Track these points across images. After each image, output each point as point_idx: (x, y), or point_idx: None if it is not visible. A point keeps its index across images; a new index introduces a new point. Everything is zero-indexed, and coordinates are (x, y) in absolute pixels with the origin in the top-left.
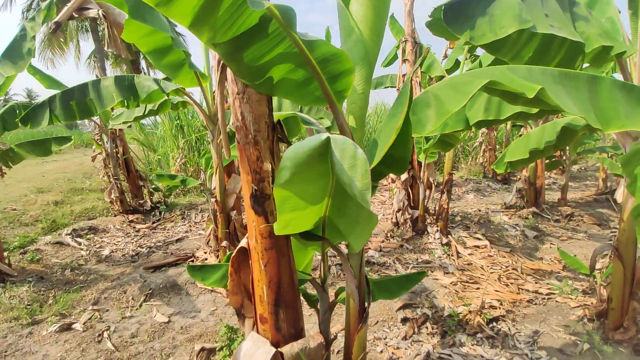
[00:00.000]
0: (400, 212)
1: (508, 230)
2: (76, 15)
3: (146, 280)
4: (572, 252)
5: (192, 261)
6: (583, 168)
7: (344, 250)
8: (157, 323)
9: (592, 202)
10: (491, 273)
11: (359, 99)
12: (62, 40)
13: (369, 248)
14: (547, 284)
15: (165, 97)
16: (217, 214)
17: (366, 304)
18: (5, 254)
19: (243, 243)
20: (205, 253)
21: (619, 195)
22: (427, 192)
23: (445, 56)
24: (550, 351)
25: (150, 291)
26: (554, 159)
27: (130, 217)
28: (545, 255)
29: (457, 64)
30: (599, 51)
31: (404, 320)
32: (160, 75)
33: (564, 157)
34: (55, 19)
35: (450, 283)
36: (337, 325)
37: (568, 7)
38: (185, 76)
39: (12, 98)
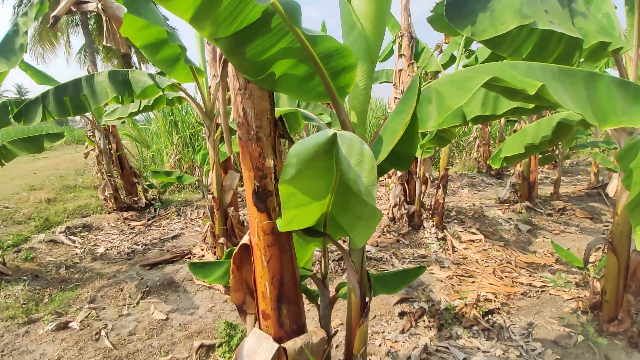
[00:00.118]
0: (397, 207)
1: (502, 224)
2: (75, 9)
3: (143, 278)
4: (564, 245)
5: (189, 258)
6: (575, 163)
7: (345, 246)
8: (155, 320)
9: (584, 196)
10: (486, 267)
11: (360, 94)
12: (58, 33)
13: (366, 243)
14: (541, 277)
15: (161, 93)
16: (214, 210)
17: (367, 299)
18: None
19: (245, 240)
20: (202, 250)
21: (611, 189)
22: (423, 187)
23: (441, 51)
24: (545, 343)
25: (147, 289)
26: (546, 154)
27: (125, 214)
28: (538, 249)
29: (452, 58)
30: (596, 47)
31: (402, 314)
32: (152, 69)
33: (557, 152)
34: (54, 13)
35: (446, 277)
36: (335, 319)
37: (567, 3)
38: (181, 71)
39: (3, 94)
